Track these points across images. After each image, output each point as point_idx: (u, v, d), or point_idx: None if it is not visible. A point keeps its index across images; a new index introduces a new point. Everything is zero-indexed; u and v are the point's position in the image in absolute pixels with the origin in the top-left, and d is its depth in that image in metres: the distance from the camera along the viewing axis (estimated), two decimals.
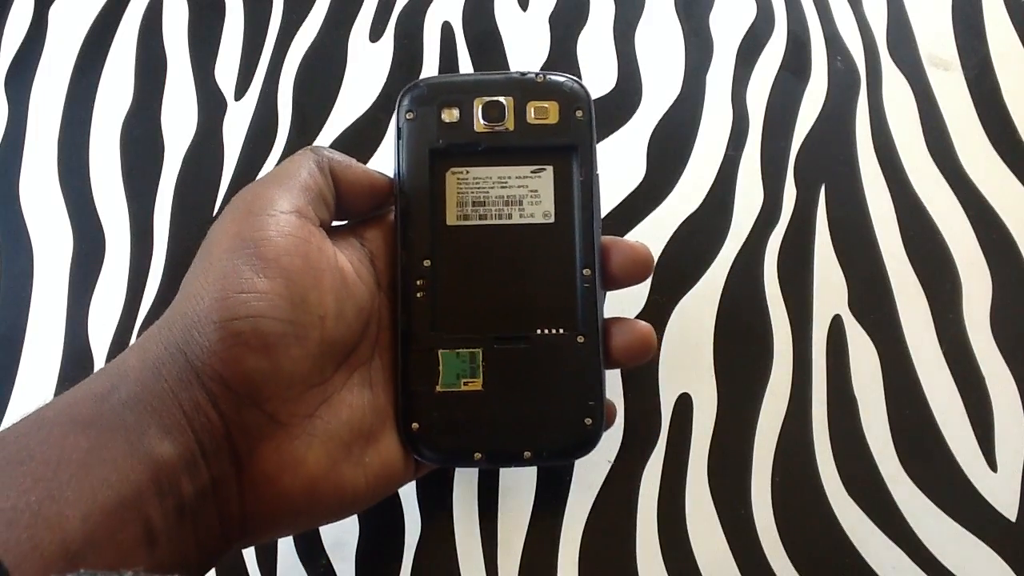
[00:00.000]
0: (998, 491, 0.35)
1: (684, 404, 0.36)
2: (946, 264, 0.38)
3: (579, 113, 0.30)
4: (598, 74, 0.42)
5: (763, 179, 0.40)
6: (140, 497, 0.22)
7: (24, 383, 0.38)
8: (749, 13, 0.44)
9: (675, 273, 0.38)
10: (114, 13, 0.45)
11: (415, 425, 0.28)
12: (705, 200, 0.40)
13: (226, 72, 0.43)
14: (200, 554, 0.24)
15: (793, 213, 0.39)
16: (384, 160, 0.41)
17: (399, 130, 0.30)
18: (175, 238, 0.40)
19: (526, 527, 0.35)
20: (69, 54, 0.44)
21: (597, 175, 0.30)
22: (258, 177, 0.28)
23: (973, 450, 0.35)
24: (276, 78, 0.43)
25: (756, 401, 0.36)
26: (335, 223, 0.30)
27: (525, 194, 0.30)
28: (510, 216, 0.30)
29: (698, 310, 0.38)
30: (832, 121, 0.41)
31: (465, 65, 0.43)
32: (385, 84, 0.43)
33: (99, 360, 0.38)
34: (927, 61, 0.42)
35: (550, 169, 0.30)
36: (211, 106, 0.42)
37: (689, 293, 0.38)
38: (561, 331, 0.29)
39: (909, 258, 0.38)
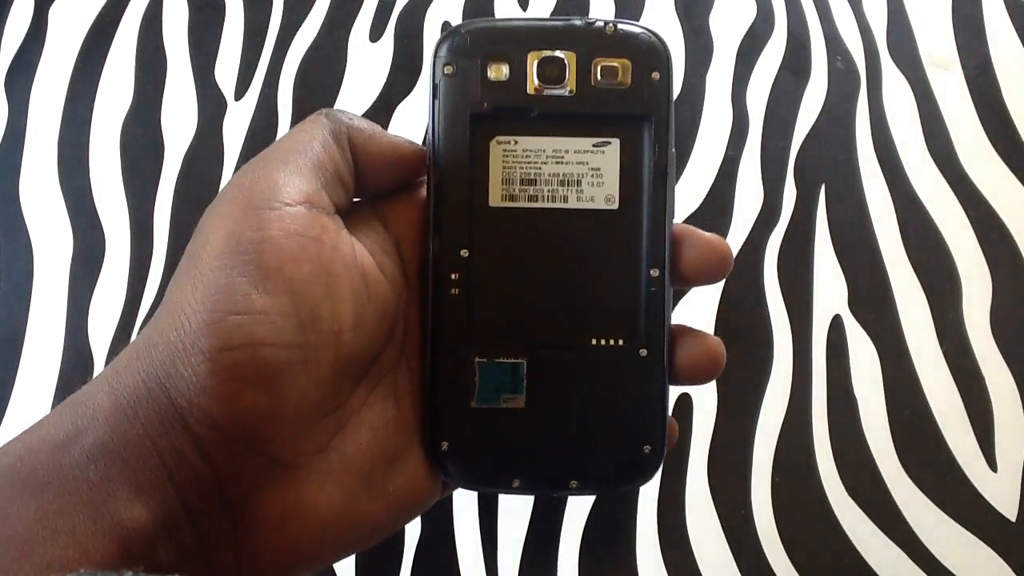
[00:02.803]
0: (998, 491, 0.35)
1: (684, 404, 0.36)
2: (946, 264, 0.38)
3: (655, 75, 0.25)
4: None
5: (763, 179, 0.40)
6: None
7: (24, 383, 0.38)
8: (749, 13, 0.44)
9: None
10: (114, 13, 0.45)
11: (445, 444, 0.25)
12: (705, 200, 0.40)
13: (226, 72, 0.43)
14: None
15: (793, 213, 0.39)
16: None
17: (434, 88, 0.25)
18: (175, 238, 0.40)
19: (526, 527, 0.35)
20: (69, 54, 0.44)
21: (673, 153, 0.25)
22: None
23: (973, 450, 0.35)
24: (276, 78, 0.43)
25: (756, 401, 0.36)
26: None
27: (585, 172, 0.25)
28: (565, 199, 0.25)
29: (698, 310, 0.38)
30: (832, 121, 0.41)
31: None
32: (385, 84, 0.43)
33: (99, 360, 0.38)
34: (927, 61, 0.42)
35: (616, 143, 0.25)
36: (211, 106, 0.42)
37: (689, 293, 0.38)
38: (620, 342, 0.25)
39: (909, 258, 0.38)
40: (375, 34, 0.44)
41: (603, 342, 0.25)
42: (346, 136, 0.24)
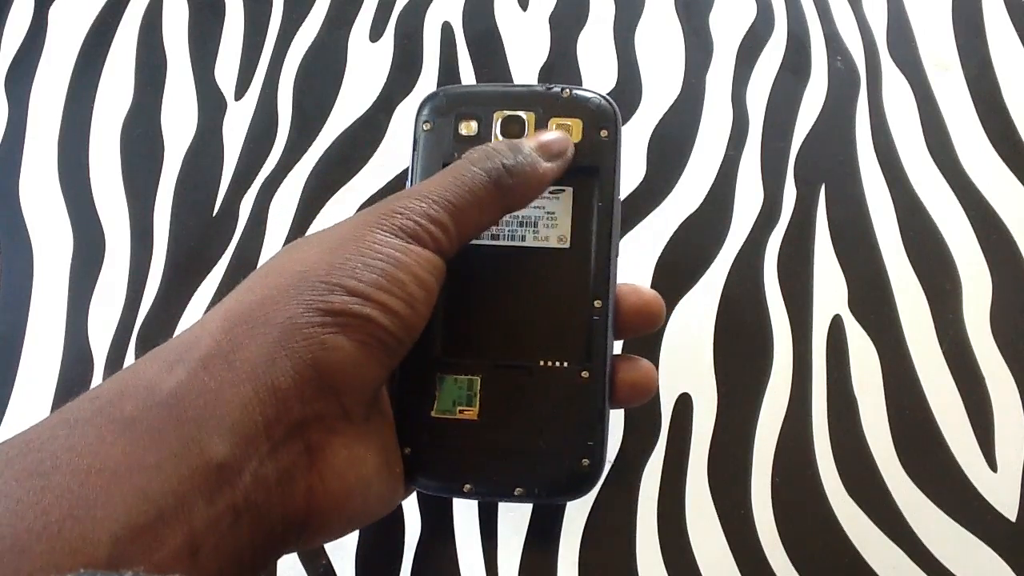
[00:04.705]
0: (998, 491, 0.35)
1: (684, 404, 0.36)
2: (946, 264, 0.38)
3: (604, 133, 0.28)
4: (598, 74, 0.42)
5: (763, 179, 0.40)
6: (184, 507, 0.20)
7: (24, 383, 0.38)
8: (749, 13, 0.44)
9: (675, 273, 0.38)
10: (114, 13, 0.45)
11: (407, 449, 0.27)
12: (705, 200, 0.40)
13: (226, 72, 0.43)
14: (255, 556, 0.22)
15: (793, 213, 0.39)
16: (382, 160, 0.41)
17: (415, 140, 0.29)
18: (175, 238, 0.40)
19: (526, 527, 0.35)
20: (69, 54, 0.44)
21: (619, 200, 0.29)
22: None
23: (973, 450, 0.35)
24: (276, 78, 0.43)
25: (756, 401, 0.36)
26: None
27: (541, 215, 0.29)
28: (523, 238, 0.29)
29: (698, 310, 0.38)
30: (832, 121, 0.41)
31: (465, 65, 0.43)
32: (385, 84, 0.43)
33: (99, 360, 0.38)
34: (927, 61, 0.42)
35: (569, 191, 0.29)
36: (211, 106, 0.42)
37: (689, 293, 0.38)
38: (565, 364, 0.27)
39: (909, 258, 0.38)
40: (375, 34, 0.44)
41: (550, 363, 0.28)
42: None
